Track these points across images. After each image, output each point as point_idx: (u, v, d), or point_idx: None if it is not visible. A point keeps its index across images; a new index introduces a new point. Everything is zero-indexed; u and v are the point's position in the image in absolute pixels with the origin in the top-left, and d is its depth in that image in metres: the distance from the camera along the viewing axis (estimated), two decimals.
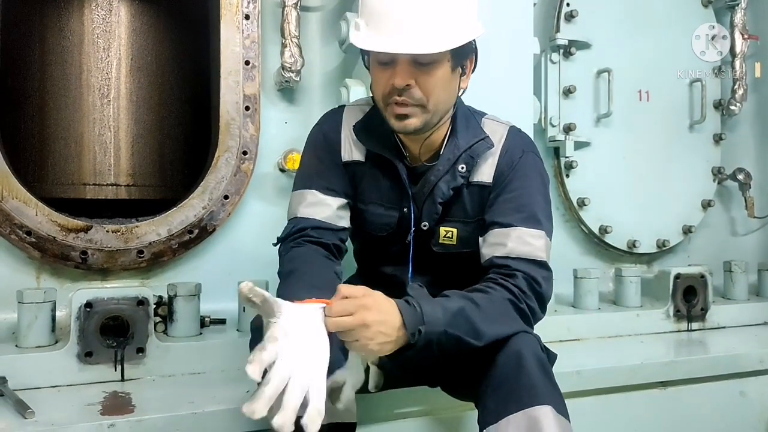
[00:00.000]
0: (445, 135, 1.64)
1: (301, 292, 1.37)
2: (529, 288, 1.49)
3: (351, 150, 1.69)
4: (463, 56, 1.56)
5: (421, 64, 1.47)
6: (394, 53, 1.45)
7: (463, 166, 1.61)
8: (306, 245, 1.58)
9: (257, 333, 1.51)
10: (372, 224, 1.71)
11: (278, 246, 1.66)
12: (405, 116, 1.51)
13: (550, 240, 1.60)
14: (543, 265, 1.54)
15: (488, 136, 1.64)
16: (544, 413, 1.36)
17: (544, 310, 1.54)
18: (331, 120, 1.74)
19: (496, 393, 1.41)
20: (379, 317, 1.25)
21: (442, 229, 1.67)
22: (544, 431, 1.33)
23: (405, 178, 1.63)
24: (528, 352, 1.44)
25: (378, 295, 1.28)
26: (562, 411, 1.40)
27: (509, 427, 1.37)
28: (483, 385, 1.44)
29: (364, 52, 1.62)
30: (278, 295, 1.48)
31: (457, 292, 1.44)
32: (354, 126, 1.69)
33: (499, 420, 1.39)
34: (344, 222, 1.67)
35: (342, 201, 1.66)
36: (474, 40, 1.58)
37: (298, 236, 1.60)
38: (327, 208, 1.63)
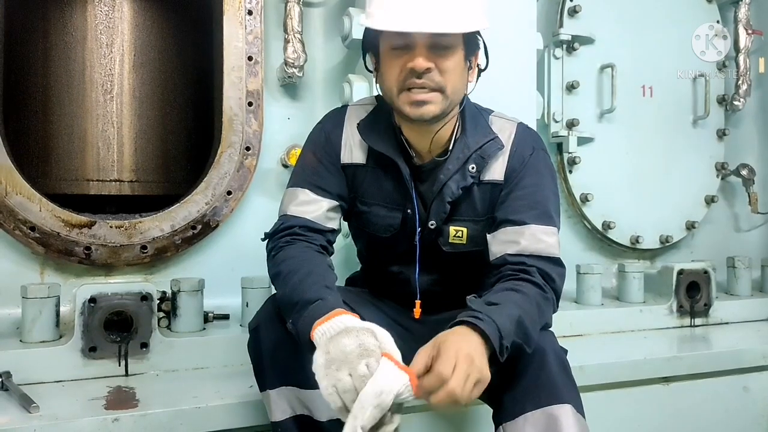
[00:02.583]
0: (453, 131, 1.62)
1: (320, 292, 1.38)
2: (546, 284, 1.49)
3: (351, 151, 1.67)
4: (473, 48, 1.56)
5: (439, 48, 1.47)
6: (415, 33, 1.44)
7: (474, 166, 1.60)
8: (298, 243, 1.56)
9: (256, 334, 1.53)
10: (375, 225, 1.69)
11: (265, 242, 1.63)
12: (423, 102, 1.48)
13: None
14: (557, 262, 1.53)
15: (497, 136, 1.62)
16: (564, 412, 1.36)
17: (557, 306, 1.54)
18: (334, 120, 1.72)
19: (514, 390, 1.41)
20: (485, 370, 1.23)
21: (452, 229, 1.64)
22: (563, 430, 1.33)
23: (408, 179, 1.61)
24: (550, 349, 1.44)
25: (462, 342, 1.23)
26: (580, 410, 1.40)
27: (526, 425, 1.36)
28: (499, 381, 1.41)
29: (368, 47, 1.61)
30: (283, 295, 1.47)
31: (501, 296, 1.40)
32: (358, 124, 1.67)
33: (516, 417, 1.38)
34: (333, 224, 1.65)
35: (334, 203, 1.64)
36: (482, 39, 1.59)
37: (286, 234, 1.58)
38: (317, 208, 1.61)
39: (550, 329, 1.53)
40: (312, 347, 1.29)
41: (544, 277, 1.48)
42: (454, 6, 1.45)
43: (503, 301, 1.37)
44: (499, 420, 1.44)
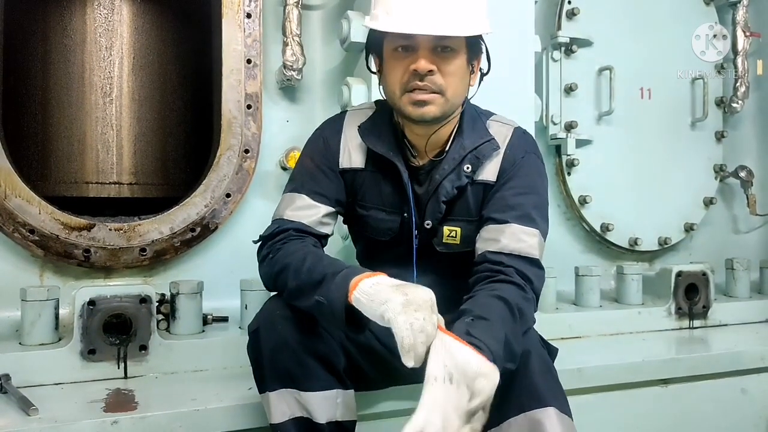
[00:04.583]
0: (451, 133, 1.64)
1: (344, 265, 1.40)
2: (525, 284, 1.48)
3: (350, 156, 1.68)
4: (476, 52, 1.58)
5: (442, 51, 1.49)
6: (418, 35, 1.47)
7: (469, 166, 1.62)
8: (293, 241, 1.56)
9: (255, 336, 1.52)
10: (374, 229, 1.71)
11: (258, 244, 1.63)
12: (424, 103, 1.51)
13: (545, 240, 1.60)
14: (535, 263, 1.53)
15: (494, 138, 1.64)
16: (547, 415, 1.36)
17: (536, 306, 1.54)
18: (332, 125, 1.74)
19: (499, 395, 1.40)
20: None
21: (446, 229, 1.66)
22: None
23: (407, 181, 1.63)
24: (534, 350, 1.45)
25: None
26: (564, 410, 1.40)
27: (510, 431, 1.37)
28: None
29: (371, 49, 1.62)
30: (300, 283, 1.44)
31: (487, 308, 1.38)
32: (359, 127, 1.69)
33: (501, 423, 1.38)
34: (326, 229, 1.65)
35: (330, 209, 1.64)
36: (484, 43, 1.60)
37: (282, 236, 1.58)
38: (313, 213, 1.62)
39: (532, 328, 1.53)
40: (348, 314, 1.31)
41: (522, 277, 1.48)
42: (458, 10, 1.47)
43: (492, 316, 1.35)
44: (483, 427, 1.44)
